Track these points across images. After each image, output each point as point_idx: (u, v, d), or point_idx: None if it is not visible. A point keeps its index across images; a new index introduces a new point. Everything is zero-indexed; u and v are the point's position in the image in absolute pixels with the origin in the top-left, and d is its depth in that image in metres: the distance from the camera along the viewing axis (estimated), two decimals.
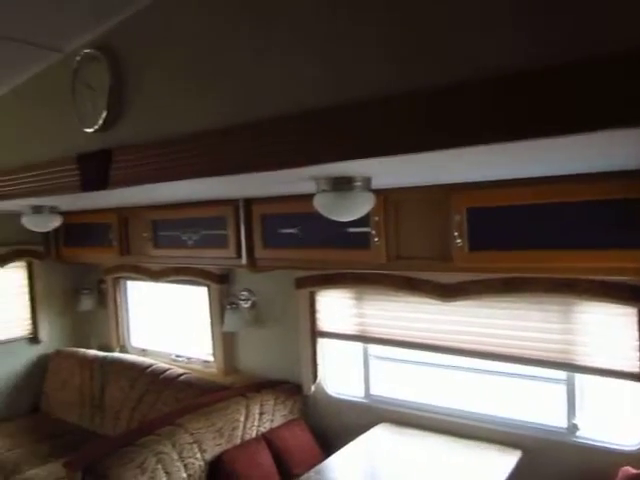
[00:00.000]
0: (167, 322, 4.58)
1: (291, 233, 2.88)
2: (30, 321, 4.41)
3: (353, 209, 1.96)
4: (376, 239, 2.56)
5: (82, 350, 4.41)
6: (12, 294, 4.32)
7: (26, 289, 4.39)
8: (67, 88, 2.35)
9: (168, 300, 4.53)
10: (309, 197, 2.69)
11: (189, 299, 4.20)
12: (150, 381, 3.76)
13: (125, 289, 4.58)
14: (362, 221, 2.46)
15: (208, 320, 3.87)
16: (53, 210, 3.43)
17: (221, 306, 3.75)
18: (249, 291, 3.65)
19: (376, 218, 2.53)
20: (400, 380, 3.21)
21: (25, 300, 4.39)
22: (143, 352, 4.43)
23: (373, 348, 3.23)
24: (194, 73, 1.95)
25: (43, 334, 4.45)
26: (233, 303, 3.59)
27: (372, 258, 2.61)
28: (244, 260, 3.05)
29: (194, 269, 3.72)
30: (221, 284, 3.74)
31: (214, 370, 3.86)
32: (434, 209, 2.44)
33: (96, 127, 2.27)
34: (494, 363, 2.78)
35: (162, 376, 3.74)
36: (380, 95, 1.40)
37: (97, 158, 2.31)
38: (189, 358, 4.12)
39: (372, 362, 3.25)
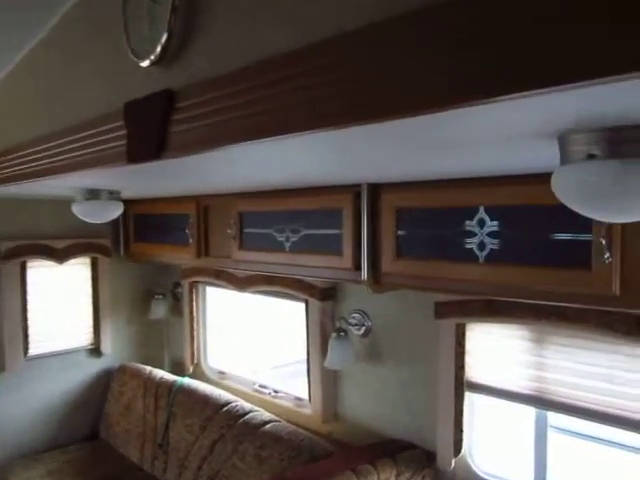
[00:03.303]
0: (253, 342, 3.73)
1: (445, 238, 1.86)
2: (92, 329, 3.68)
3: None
4: (606, 255, 1.48)
5: (149, 369, 3.61)
6: (72, 297, 3.60)
7: (89, 291, 3.66)
8: (120, 4, 1.47)
9: (256, 315, 3.68)
10: (497, 180, 1.71)
11: (282, 316, 3.32)
12: (226, 424, 2.86)
13: (204, 297, 3.75)
14: (578, 225, 1.46)
15: (304, 346, 2.94)
16: (113, 196, 2.64)
17: (323, 330, 2.80)
18: (363, 313, 2.66)
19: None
20: (601, 470, 2.09)
21: (87, 304, 3.66)
22: (221, 375, 3.58)
23: (555, 417, 2.13)
24: None
25: (106, 345, 3.71)
26: (341, 330, 2.61)
27: (592, 285, 1.52)
28: (365, 275, 2.06)
29: (290, 279, 2.80)
30: (324, 301, 2.78)
31: (309, 412, 2.92)
32: None
33: (152, 58, 1.38)
34: None
35: (242, 420, 2.82)
36: None
37: (150, 107, 1.41)
38: (276, 391, 3.21)
39: (552, 436, 2.15)
